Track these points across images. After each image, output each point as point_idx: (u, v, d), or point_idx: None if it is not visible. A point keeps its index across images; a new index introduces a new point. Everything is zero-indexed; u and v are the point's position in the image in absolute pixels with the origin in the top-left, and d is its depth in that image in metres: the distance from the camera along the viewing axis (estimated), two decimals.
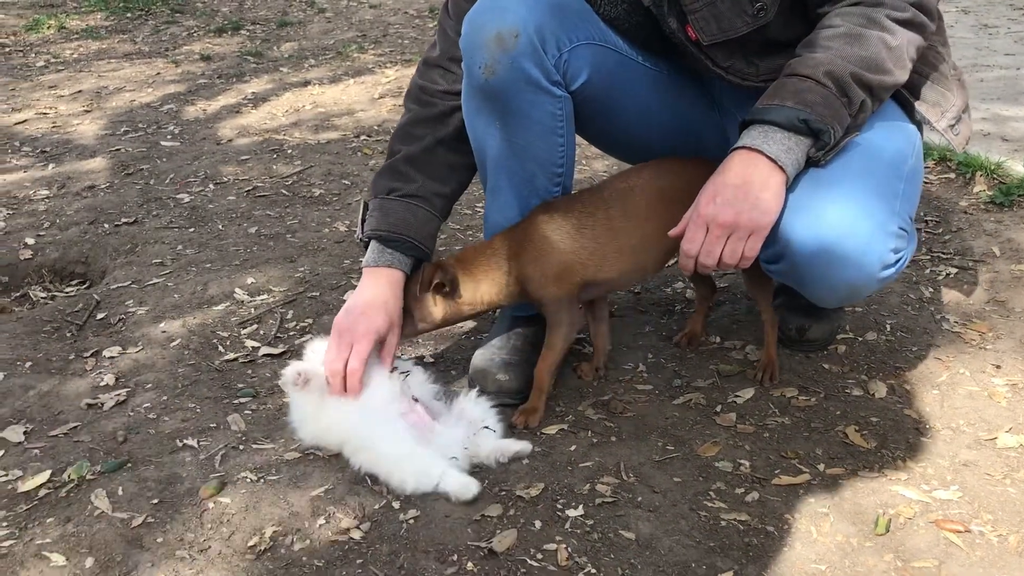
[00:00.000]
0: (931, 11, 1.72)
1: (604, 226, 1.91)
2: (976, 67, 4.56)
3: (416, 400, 1.86)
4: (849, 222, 1.65)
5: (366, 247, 1.98)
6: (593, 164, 3.47)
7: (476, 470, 1.79)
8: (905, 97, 1.85)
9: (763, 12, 1.74)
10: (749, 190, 1.64)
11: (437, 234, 2.05)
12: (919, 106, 1.85)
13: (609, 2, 1.91)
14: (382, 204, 1.97)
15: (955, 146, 1.89)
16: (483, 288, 1.93)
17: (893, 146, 1.77)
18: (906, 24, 1.69)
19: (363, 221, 1.99)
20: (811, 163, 1.69)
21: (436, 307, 1.93)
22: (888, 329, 2.27)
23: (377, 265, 1.94)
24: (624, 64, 1.95)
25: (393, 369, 1.90)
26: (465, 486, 1.71)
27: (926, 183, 3.09)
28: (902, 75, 1.71)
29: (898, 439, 1.87)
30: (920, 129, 1.89)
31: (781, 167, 1.64)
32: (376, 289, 1.92)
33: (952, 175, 3.17)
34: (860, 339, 2.23)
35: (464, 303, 1.94)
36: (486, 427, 1.84)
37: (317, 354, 1.89)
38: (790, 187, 1.68)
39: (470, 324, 2.38)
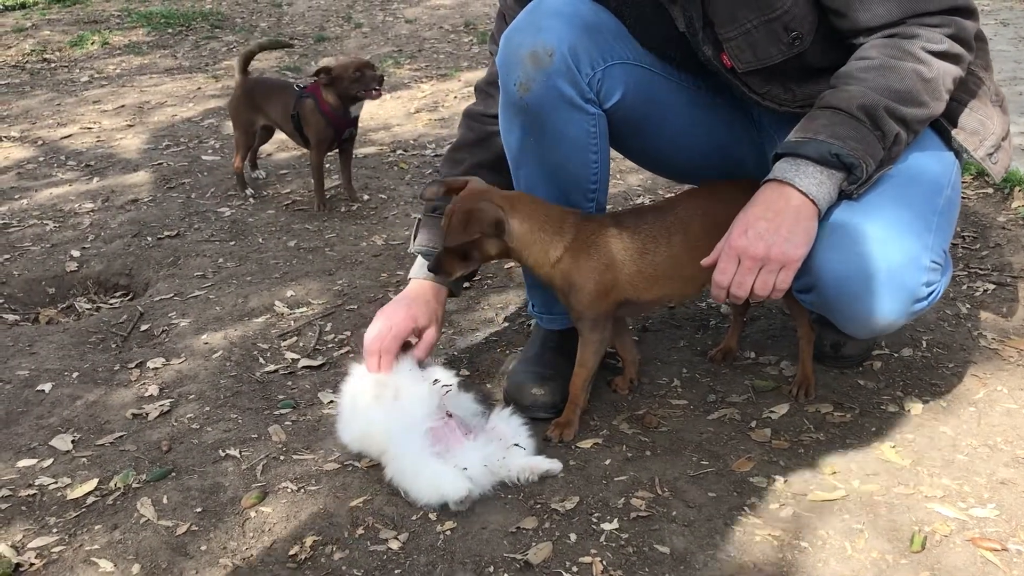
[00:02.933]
0: (967, 41, 1.71)
1: (665, 254, 1.90)
2: (1015, 80, 4.52)
3: (450, 415, 1.88)
4: (880, 257, 1.65)
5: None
6: (628, 179, 3.49)
7: (514, 484, 1.81)
8: (943, 125, 1.83)
9: (798, 40, 1.75)
10: (780, 224, 1.65)
11: None
12: (957, 135, 1.83)
13: (643, 26, 1.92)
14: (426, 221, 2.10)
15: (993, 175, 1.87)
16: (535, 249, 1.87)
17: (928, 179, 1.76)
18: (942, 56, 1.67)
19: (415, 236, 2.12)
20: (844, 196, 1.69)
21: (488, 245, 1.88)
22: (924, 345, 2.26)
23: (417, 277, 2.08)
24: (660, 83, 1.97)
25: (436, 382, 1.93)
26: (455, 489, 1.72)
27: (964, 198, 3.07)
28: (938, 107, 1.70)
29: (934, 456, 1.86)
30: (959, 156, 1.87)
31: (813, 200, 1.65)
32: (420, 290, 2.05)
33: (990, 190, 3.15)
34: (896, 355, 2.23)
35: (516, 247, 1.87)
36: (516, 445, 1.86)
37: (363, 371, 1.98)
38: (822, 219, 1.69)
39: (505, 338, 2.41)
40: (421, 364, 1.99)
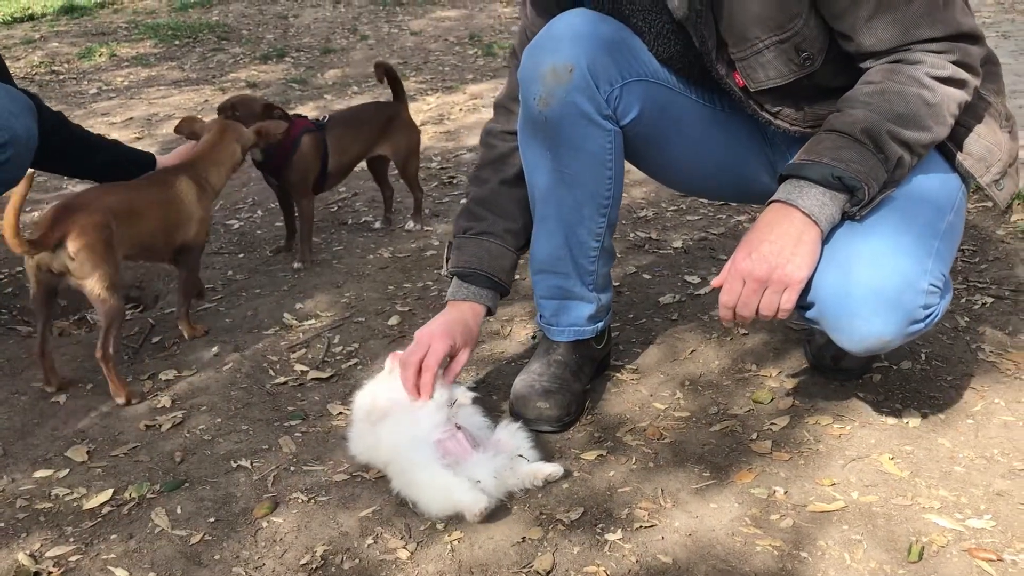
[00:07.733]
0: (973, 67, 1.73)
1: None
2: (1015, 93, 4.56)
3: (459, 428, 1.92)
4: (878, 280, 1.68)
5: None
6: (632, 192, 3.53)
7: (520, 495, 1.85)
8: (950, 150, 1.85)
9: (809, 61, 1.78)
10: (784, 245, 1.68)
11: (515, 267, 2.16)
12: (964, 160, 1.85)
13: (663, 43, 1.96)
14: (459, 243, 2.13)
15: (998, 202, 1.89)
16: None
17: (931, 203, 1.79)
18: (946, 81, 1.70)
19: (447, 259, 2.15)
20: (847, 217, 1.72)
21: None
22: (923, 358, 2.30)
23: (456, 299, 2.10)
24: (676, 100, 2.00)
25: (453, 400, 1.96)
26: (474, 501, 1.75)
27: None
28: (942, 131, 1.73)
29: (932, 468, 1.90)
30: (965, 182, 1.88)
31: (815, 221, 1.68)
32: (458, 314, 2.07)
33: (989, 204, 3.18)
34: (895, 368, 2.26)
35: None
36: (519, 455, 1.90)
37: (379, 382, 2.01)
38: (825, 240, 1.71)
39: (511, 350, 2.45)
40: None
